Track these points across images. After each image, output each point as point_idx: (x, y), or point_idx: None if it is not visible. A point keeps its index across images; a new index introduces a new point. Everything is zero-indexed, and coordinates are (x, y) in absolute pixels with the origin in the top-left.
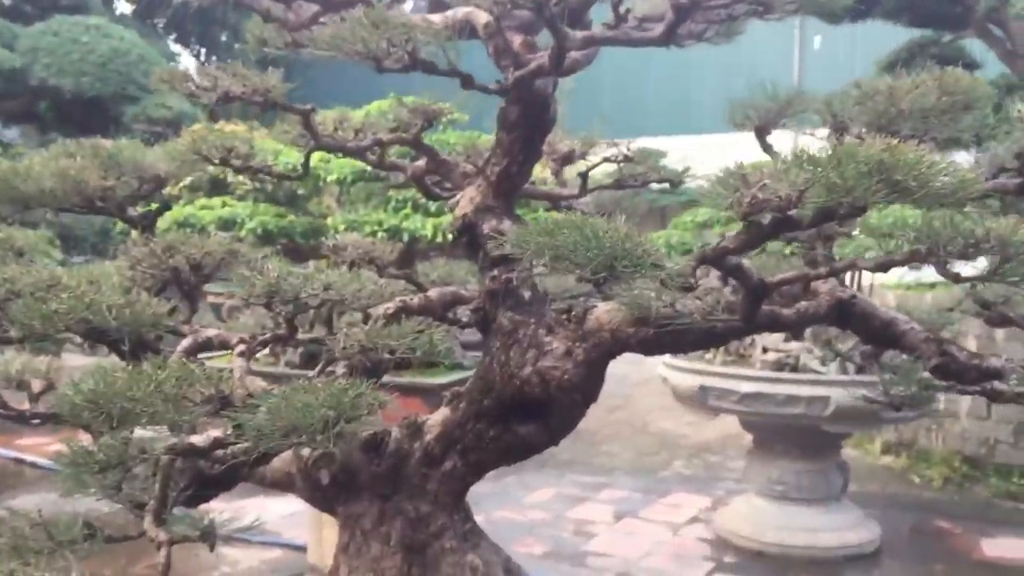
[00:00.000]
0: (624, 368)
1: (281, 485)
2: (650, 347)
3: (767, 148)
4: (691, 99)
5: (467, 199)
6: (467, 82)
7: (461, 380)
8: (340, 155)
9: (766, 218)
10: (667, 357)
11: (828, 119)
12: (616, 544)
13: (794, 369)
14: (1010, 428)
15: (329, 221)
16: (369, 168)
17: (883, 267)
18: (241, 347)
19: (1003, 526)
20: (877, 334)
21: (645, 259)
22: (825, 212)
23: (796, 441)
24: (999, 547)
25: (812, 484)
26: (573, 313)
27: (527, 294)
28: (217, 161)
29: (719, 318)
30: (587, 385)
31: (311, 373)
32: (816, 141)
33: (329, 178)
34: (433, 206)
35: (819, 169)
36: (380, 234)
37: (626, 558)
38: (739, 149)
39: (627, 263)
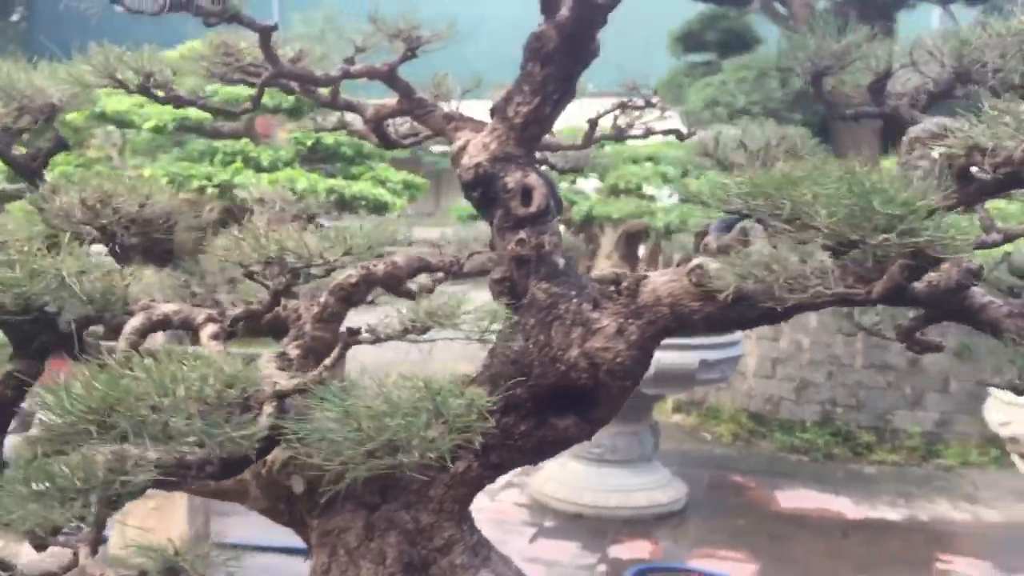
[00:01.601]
0: None
1: (228, 495)
2: (713, 324)
3: (822, 96)
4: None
5: (478, 146)
6: None
7: None
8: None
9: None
10: None
11: (948, 64)
12: None
13: None
14: (793, 386)
15: (143, 173)
16: (193, 114)
17: None
18: (212, 327)
19: (792, 478)
20: (945, 306)
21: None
22: None
23: None
24: (793, 499)
25: (627, 446)
26: (624, 285)
27: (561, 261)
28: (134, 87)
29: (836, 291)
30: (639, 369)
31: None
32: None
33: (146, 125)
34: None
35: None
36: (210, 190)
37: None
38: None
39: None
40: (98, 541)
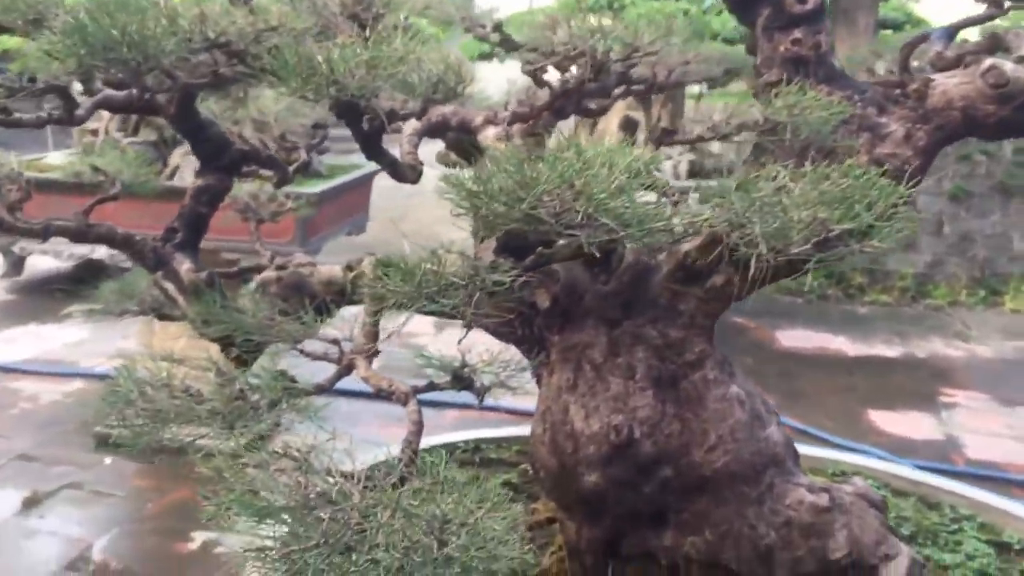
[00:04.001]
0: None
1: (450, 313)
2: (1004, 130)
3: None
4: None
5: None
6: None
7: (330, 190)
8: None
9: None
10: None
11: None
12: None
13: None
14: None
15: None
16: None
17: None
18: (493, 128)
19: (788, 319)
20: None
21: None
22: None
23: None
24: (792, 338)
25: None
26: (912, 88)
27: (838, 63)
28: None
29: None
30: (921, 176)
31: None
32: None
33: None
34: None
35: None
36: None
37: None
38: None
39: None
40: (373, 352)
